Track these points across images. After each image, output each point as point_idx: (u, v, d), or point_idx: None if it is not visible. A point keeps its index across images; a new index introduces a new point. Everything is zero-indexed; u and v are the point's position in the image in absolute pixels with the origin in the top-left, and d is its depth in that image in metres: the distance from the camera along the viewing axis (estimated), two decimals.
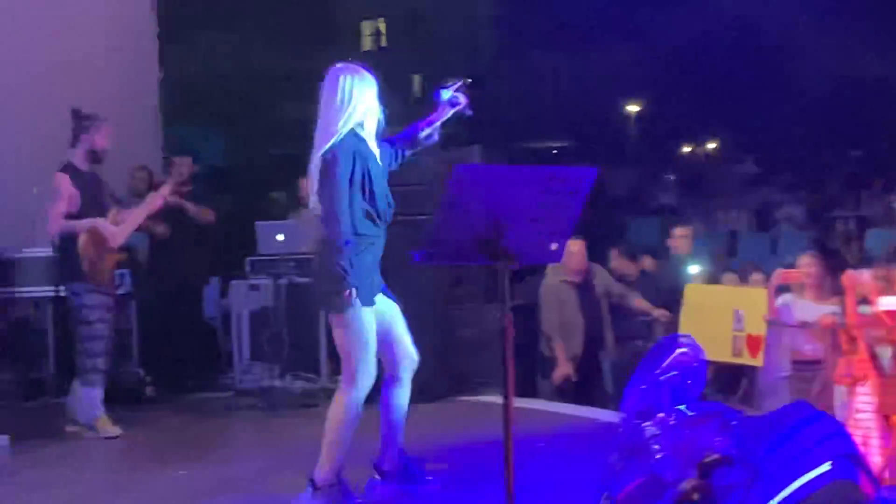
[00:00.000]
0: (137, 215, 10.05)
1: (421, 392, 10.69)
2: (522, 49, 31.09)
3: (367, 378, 6.85)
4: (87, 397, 9.66)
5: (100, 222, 9.63)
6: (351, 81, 6.79)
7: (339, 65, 6.87)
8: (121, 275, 11.64)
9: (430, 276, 10.88)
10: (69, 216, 9.60)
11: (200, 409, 11.16)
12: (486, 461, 7.64)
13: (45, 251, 10.93)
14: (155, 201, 10.21)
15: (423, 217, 10.44)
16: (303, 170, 6.95)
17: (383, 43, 41.36)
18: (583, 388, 11.90)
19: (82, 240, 9.55)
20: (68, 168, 9.71)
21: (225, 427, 10.33)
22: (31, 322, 12.25)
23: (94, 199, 9.73)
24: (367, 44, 41.41)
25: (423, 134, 7.04)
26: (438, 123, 7.01)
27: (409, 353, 7.19)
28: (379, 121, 6.87)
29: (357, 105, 6.76)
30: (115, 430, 9.71)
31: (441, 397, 10.95)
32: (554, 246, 5.56)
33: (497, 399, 10.31)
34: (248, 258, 12.25)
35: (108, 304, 9.78)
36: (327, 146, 6.66)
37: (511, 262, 5.33)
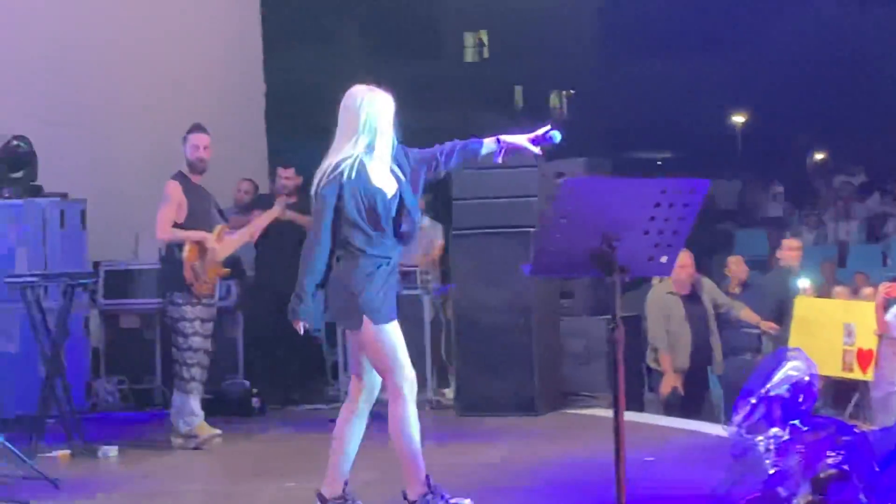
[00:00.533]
0: (242, 236, 10.08)
1: (528, 405, 10.70)
2: (626, 59, 30.93)
3: (409, 384, 6.85)
4: (183, 405, 9.70)
5: (207, 236, 9.66)
6: (362, 102, 6.80)
7: (357, 86, 6.91)
8: (227, 286, 11.72)
9: (537, 287, 10.81)
10: (176, 225, 9.66)
11: (306, 421, 11.18)
12: (594, 475, 7.59)
13: (155, 264, 11.03)
14: (260, 222, 10.21)
15: (530, 228, 10.40)
16: None
17: (486, 54, 41.34)
18: (690, 402, 11.79)
19: (187, 250, 9.59)
20: (179, 176, 9.78)
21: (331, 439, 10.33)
22: (139, 333, 12.38)
23: (201, 211, 9.77)
24: (469, 55, 41.41)
25: (485, 152, 7.02)
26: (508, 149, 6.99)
27: (376, 384, 7.03)
28: (393, 140, 6.86)
29: (366, 127, 6.77)
30: (214, 431, 9.73)
31: (548, 410, 10.87)
32: (664, 259, 5.50)
33: (604, 412, 10.27)
34: None
35: (205, 317, 9.78)
36: (321, 181, 6.72)
37: (622, 274, 5.27)
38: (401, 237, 6.87)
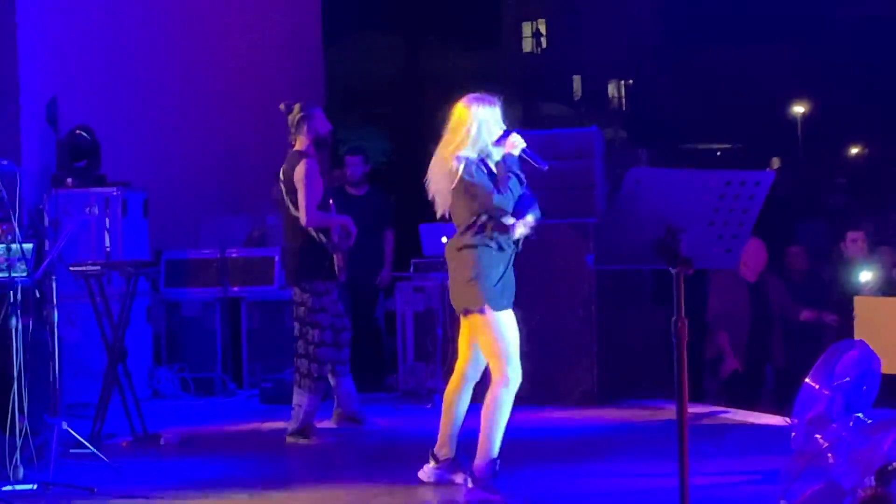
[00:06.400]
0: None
1: (589, 396, 10.67)
2: (686, 49, 30.81)
3: (515, 374, 7.07)
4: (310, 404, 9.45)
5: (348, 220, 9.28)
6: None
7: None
8: None
9: (595, 277, 10.75)
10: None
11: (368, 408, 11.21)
12: (651, 466, 7.59)
13: (214, 252, 11.01)
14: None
15: (591, 220, 10.37)
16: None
17: (544, 44, 41.31)
18: (749, 393, 11.66)
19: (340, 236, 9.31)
20: (312, 157, 9.24)
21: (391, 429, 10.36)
22: (200, 322, 12.48)
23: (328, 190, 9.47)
24: (527, 45, 41.42)
25: None
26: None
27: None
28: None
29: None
30: (308, 442, 9.48)
31: (610, 400, 10.82)
32: (729, 250, 5.48)
33: (664, 403, 10.24)
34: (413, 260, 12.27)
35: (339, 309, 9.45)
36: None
37: (686, 266, 5.25)
38: None
